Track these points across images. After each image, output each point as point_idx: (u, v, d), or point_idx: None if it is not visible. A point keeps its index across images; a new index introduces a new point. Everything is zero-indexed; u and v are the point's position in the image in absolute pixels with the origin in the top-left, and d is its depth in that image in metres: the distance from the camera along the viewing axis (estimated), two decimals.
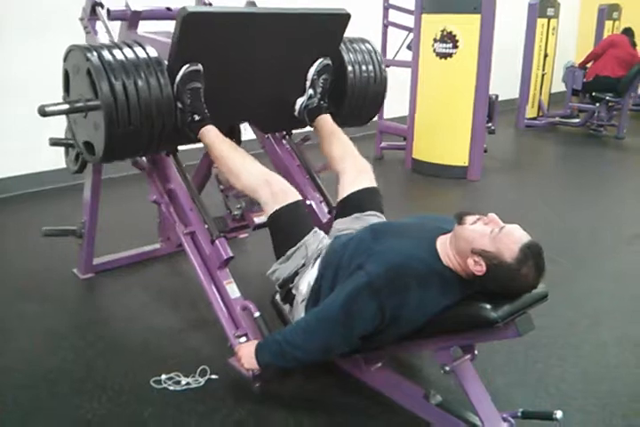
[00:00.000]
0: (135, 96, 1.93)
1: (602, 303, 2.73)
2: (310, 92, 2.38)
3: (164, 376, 2.08)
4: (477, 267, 1.65)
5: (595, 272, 3.08)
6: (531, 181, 4.93)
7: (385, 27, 5.32)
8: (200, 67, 2.06)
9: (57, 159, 3.02)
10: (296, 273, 2.00)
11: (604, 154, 5.92)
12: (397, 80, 5.22)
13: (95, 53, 1.93)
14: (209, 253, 2.18)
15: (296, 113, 2.43)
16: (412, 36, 4.98)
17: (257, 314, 2.04)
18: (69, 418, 1.92)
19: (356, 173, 2.26)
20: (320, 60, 2.35)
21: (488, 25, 4.44)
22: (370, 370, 2.06)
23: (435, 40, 4.63)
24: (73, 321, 2.54)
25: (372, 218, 2.16)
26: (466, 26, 4.47)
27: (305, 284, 1.97)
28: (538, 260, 1.63)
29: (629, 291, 2.88)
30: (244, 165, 2.11)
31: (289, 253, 2.01)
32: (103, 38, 2.47)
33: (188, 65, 2.03)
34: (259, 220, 2.32)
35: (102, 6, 2.47)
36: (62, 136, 2.59)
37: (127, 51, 1.99)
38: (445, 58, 4.61)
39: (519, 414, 1.75)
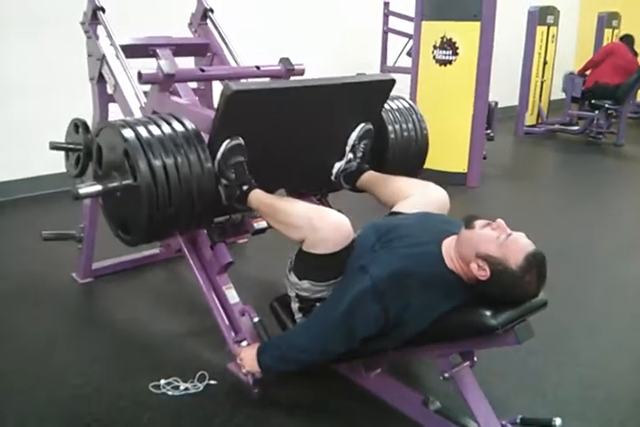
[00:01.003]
0: (175, 175, 1.83)
1: (600, 310, 2.74)
2: (350, 156, 2.29)
3: (162, 381, 2.08)
4: (481, 272, 1.66)
5: (593, 279, 3.09)
6: (530, 188, 4.94)
7: (385, 33, 5.36)
8: (241, 141, 1.96)
9: (56, 163, 3.02)
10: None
11: (603, 161, 5.94)
12: (397, 87, 5.24)
13: (132, 132, 1.83)
14: (208, 259, 2.18)
15: (332, 177, 2.34)
16: (411, 42, 5.01)
17: (256, 319, 2.04)
18: (67, 423, 1.92)
19: (431, 197, 2.11)
20: (362, 126, 2.27)
21: (488, 32, 4.46)
22: (369, 376, 2.06)
23: (435, 47, 4.64)
24: (71, 325, 2.54)
25: None
26: (466, 33, 4.49)
27: None
28: (541, 268, 1.64)
29: (628, 298, 2.89)
30: (289, 206, 1.90)
31: (332, 282, 1.84)
32: (104, 43, 2.48)
33: (229, 140, 1.94)
34: (258, 225, 2.30)
35: (104, 11, 2.48)
36: (62, 140, 2.61)
37: (165, 126, 1.89)
38: (445, 65, 4.63)
39: (518, 420, 1.76)
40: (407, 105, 2.55)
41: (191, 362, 2.20)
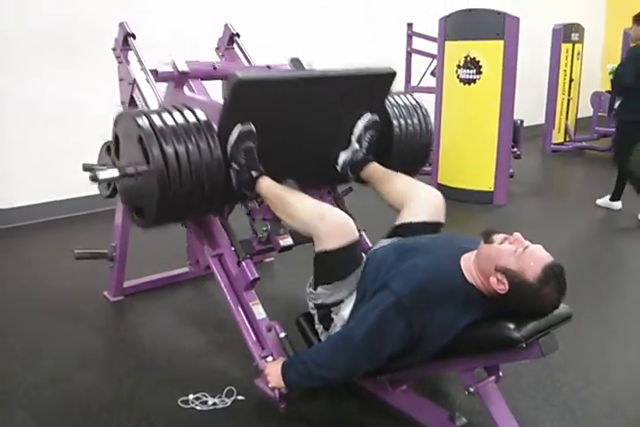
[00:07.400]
0: (186, 160, 1.94)
1: (630, 326, 2.71)
2: (356, 146, 2.36)
3: (191, 396, 2.11)
4: (500, 285, 1.67)
5: (623, 295, 3.06)
6: (557, 206, 4.90)
7: (409, 54, 5.41)
8: (252, 127, 2.05)
9: (89, 185, 3.11)
10: (342, 301, 1.98)
11: None
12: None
13: (146, 119, 1.95)
14: (235, 275, 2.22)
15: (339, 167, 2.41)
16: (435, 62, 5.05)
17: (282, 335, 2.07)
18: None
19: (427, 203, 2.20)
20: (368, 116, 2.34)
21: (511, 50, 4.49)
22: (395, 392, 2.06)
23: (458, 66, 4.68)
24: (103, 342, 2.61)
25: None
26: (489, 52, 4.53)
27: (347, 310, 1.96)
28: (560, 280, 1.65)
29: None
30: (298, 201, 2.05)
31: (337, 283, 1.95)
32: (135, 68, 2.57)
33: (240, 126, 2.04)
34: (284, 242, 2.35)
35: (134, 37, 2.57)
36: (95, 162, 2.69)
37: (177, 115, 2.00)
38: (469, 84, 4.66)
39: None
40: (413, 101, 2.63)
41: (219, 378, 2.24)
